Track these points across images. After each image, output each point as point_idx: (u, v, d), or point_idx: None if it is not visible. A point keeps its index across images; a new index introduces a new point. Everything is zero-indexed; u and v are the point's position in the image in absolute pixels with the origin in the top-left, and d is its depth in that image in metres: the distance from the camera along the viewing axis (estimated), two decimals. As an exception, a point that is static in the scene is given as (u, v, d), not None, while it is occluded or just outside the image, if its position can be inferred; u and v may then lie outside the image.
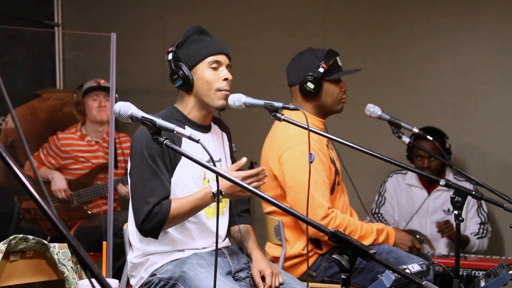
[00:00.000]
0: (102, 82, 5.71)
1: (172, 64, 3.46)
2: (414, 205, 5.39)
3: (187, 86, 3.44)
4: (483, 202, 5.27)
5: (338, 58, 4.15)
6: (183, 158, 3.38)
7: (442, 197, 5.37)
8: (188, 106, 3.50)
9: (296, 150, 3.96)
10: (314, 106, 4.13)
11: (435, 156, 4.07)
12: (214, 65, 3.43)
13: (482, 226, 5.28)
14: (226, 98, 3.44)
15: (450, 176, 5.37)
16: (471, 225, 5.33)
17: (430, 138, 3.93)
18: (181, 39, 3.48)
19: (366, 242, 3.98)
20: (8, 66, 5.83)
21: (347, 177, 4.31)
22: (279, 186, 4.07)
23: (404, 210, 5.44)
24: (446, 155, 4.57)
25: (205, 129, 3.55)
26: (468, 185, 5.15)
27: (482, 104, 5.70)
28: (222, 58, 3.46)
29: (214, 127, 3.64)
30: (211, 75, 3.42)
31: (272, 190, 4.10)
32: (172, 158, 3.37)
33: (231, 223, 3.72)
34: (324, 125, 4.22)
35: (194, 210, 3.34)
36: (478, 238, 5.24)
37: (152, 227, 3.29)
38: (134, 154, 3.36)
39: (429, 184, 5.42)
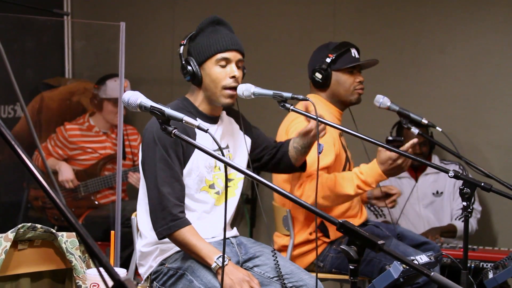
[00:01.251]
0: (126, 86, 5.68)
1: (182, 59, 3.46)
2: (405, 196, 5.42)
3: (196, 81, 3.45)
4: None
5: (353, 50, 4.19)
6: (196, 149, 3.38)
7: (429, 181, 5.43)
8: (198, 99, 3.50)
9: (300, 121, 3.98)
10: (328, 96, 4.21)
11: (444, 147, 4.07)
12: (222, 63, 3.40)
13: None
14: (232, 96, 3.43)
15: (436, 160, 5.45)
16: (455, 207, 5.35)
17: (440, 129, 3.93)
18: (194, 31, 3.46)
19: (348, 189, 3.93)
20: (17, 55, 5.83)
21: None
22: None
23: (397, 203, 5.46)
24: (433, 141, 4.58)
25: (215, 120, 3.55)
26: (453, 167, 5.22)
27: (492, 96, 5.69)
28: (231, 55, 3.42)
29: (227, 118, 3.65)
30: (218, 73, 3.40)
31: None
32: (186, 149, 3.37)
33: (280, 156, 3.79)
34: (342, 117, 4.25)
35: (194, 250, 3.29)
36: (462, 220, 5.25)
37: (162, 224, 3.30)
38: (147, 145, 3.35)
39: (416, 171, 5.47)
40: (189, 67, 3.42)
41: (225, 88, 3.40)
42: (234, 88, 3.41)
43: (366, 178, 3.89)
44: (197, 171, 3.43)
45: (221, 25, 3.48)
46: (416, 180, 5.46)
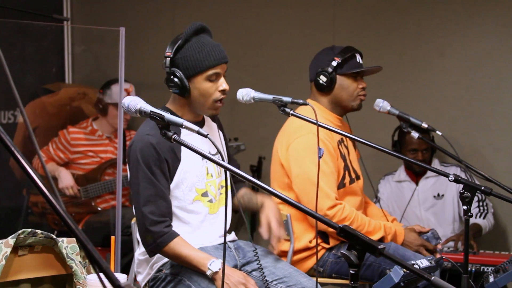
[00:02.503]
0: (130, 89, 5.66)
1: (170, 71, 3.37)
2: (406, 200, 5.41)
3: (183, 94, 3.38)
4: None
5: (358, 56, 4.17)
6: (182, 160, 3.36)
7: (429, 184, 5.40)
8: (181, 109, 3.45)
9: (303, 140, 3.99)
10: (329, 101, 4.18)
11: (443, 150, 4.07)
12: (212, 78, 3.36)
13: (481, 204, 5.26)
14: (219, 107, 3.42)
15: (436, 163, 5.41)
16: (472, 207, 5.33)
17: (440, 133, 3.93)
18: (180, 41, 3.39)
19: (373, 238, 3.98)
20: (17, 61, 5.83)
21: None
22: (286, 175, 4.09)
23: (398, 207, 5.45)
24: (434, 145, 4.58)
25: (200, 125, 3.49)
26: (454, 169, 5.20)
27: (492, 99, 5.68)
28: (221, 68, 3.38)
29: (207, 120, 3.62)
30: (208, 88, 3.36)
31: (280, 178, 4.13)
32: (171, 163, 3.35)
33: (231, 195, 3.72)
34: (342, 122, 4.25)
35: (186, 261, 3.31)
36: (483, 218, 5.24)
37: (150, 243, 3.32)
38: (131, 163, 3.34)
39: (416, 175, 5.44)
40: (177, 80, 3.34)
41: (215, 101, 3.39)
42: (222, 101, 3.41)
43: (390, 234, 4.10)
44: (186, 181, 3.41)
45: (205, 33, 3.44)
46: (417, 183, 5.44)
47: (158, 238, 3.29)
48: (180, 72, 3.34)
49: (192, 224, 3.46)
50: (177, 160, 3.36)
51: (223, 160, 2.60)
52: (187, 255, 3.29)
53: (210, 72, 3.35)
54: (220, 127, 3.75)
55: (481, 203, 5.27)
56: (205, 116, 3.59)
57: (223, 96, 3.40)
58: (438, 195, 5.38)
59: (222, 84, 3.39)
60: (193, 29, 3.41)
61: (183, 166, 3.38)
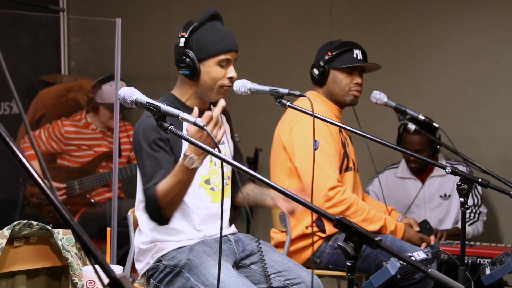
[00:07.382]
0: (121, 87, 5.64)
1: (182, 51, 3.38)
2: (409, 197, 5.34)
3: (193, 76, 3.39)
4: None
5: (356, 51, 4.19)
6: (184, 144, 3.35)
7: (436, 183, 5.34)
8: (187, 93, 3.46)
9: (306, 122, 4.00)
10: (324, 93, 4.24)
11: (439, 142, 4.06)
12: (223, 63, 3.38)
13: (474, 210, 5.22)
14: (225, 92, 3.43)
15: (442, 161, 5.35)
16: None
17: (436, 125, 3.92)
18: (195, 24, 3.39)
19: (372, 227, 3.98)
20: (12, 51, 5.82)
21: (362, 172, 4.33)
22: (288, 159, 4.09)
23: (399, 203, 5.39)
24: (436, 142, 4.52)
25: (203, 113, 3.50)
26: (461, 168, 5.14)
27: (488, 91, 5.68)
28: (232, 55, 3.41)
29: (214, 110, 3.60)
30: (218, 72, 3.37)
31: (282, 164, 4.13)
32: (173, 143, 3.34)
33: (234, 192, 3.68)
34: (341, 114, 4.27)
35: (179, 183, 3.16)
36: (469, 224, 5.20)
37: (151, 212, 3.27)
38: (135, 146, 3.35)
39: (421, 174, 5.38)
40: (188, 60, 3.36)
41: (222, 87, 3.39)
42: (229, 87, 3.41)
43: (389, 228, 4.07)
44: None
45: (219, 20, 3.47)
46: (423, 182, 5.37)
47: (149, 201, 3.21)
48: (193, 54, 3.36)
49: (193, 209, 3.44)
50: (179, 142, 3.35)
51: (219, 151, 2.58)
52: (171, 178, 3.15)
53: (222, 57, 3.37)
54: (228, 120, 3.74)
55: (474, 209, 5.24)
56: (212, 106, 3.58)
57: (230, 84, 3.41)
58: (445, 195, 5.33)
59: (231, 71, 3.40)
60: (209, 14, 3.43)
61: (184, 150, 3.37)
